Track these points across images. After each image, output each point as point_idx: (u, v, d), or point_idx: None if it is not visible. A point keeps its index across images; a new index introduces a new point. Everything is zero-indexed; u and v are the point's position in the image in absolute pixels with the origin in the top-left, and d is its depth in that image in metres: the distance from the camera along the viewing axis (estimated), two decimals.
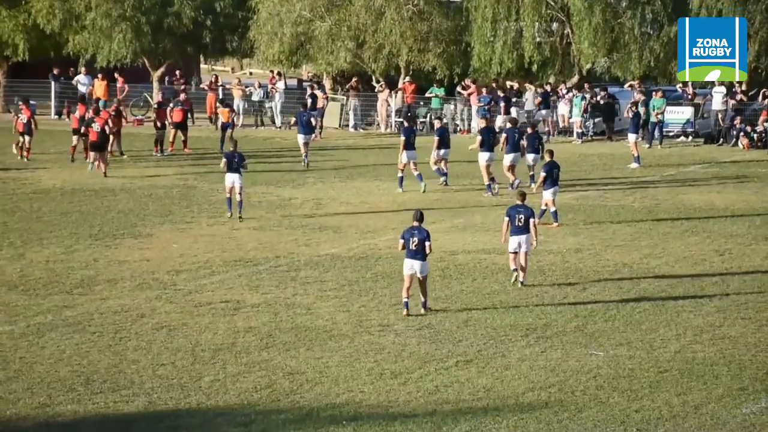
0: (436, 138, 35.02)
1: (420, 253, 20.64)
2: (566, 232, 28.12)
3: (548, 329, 19.65)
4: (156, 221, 29.28)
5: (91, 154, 37.27)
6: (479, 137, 34.32)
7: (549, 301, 21.54)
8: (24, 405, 15.77)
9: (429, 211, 30.55)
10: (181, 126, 42.67)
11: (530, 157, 34.24)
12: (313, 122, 42.39)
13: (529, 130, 35.26)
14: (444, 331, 19.51)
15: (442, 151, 35.03)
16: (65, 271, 23.65)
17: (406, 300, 20.58)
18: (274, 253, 25.49)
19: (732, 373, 17.31)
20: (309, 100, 47.79)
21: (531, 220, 22.52)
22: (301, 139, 39.66)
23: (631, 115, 41.57)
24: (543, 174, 28.44)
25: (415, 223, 20.95)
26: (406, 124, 35.87)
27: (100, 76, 51.29)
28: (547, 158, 29.21)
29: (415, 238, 20.67)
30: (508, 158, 33.56)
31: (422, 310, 20.71)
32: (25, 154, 39.18)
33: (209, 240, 26.96)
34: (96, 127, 36.74)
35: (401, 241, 20.95)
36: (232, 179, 29.88)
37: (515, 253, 22.56)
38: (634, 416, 15.49)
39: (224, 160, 30.29)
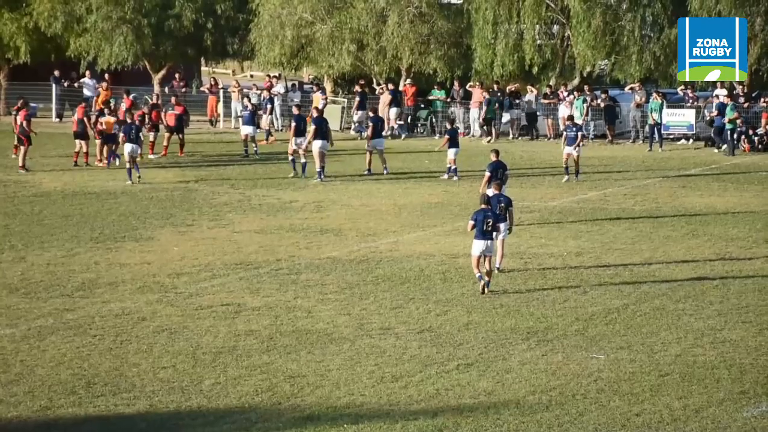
0: (293, 125, 37.91)
1: (491, 234, 22.12)
2: (567, 235, 28.14)
3: (549, 333, 19.65)
4: (157, 224, 29.29)
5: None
6: (370, 127, 38.79)
7: (550, 304, 21.54)
8: (25, 408, 15.77)
9: (430, 214, 30.70)
10: (176, 130, 42.70)
11: (452, 151, 37.09)
12: (261, 118, 46.58)
13: (448, 126, 39.03)
14: (445, 334, 19.51)
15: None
16: (66, 274, 23.65)
17: (480, 274, 22.08)
18: (274, 256, 25.50)
19: (733, 377, 17.31)
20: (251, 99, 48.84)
21: (509, 209, 23.93)
22: (244, 130, 42.95)
23: (569, 127, 37.04)
24: (487, 173, 28.36)
25: (484, 206, 22.36)
26: (315, 114, 38.17)
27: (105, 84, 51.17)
28: (492, 158, 29.20)
29: (490, 220, 22.05)
30: (371, 144, 38.16)
31: (485, 289, 22.05)
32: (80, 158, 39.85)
33: (210, 243, 26.96)
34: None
35: (471, 223, 22.19)
36: (130, 148, 35.71)
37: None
38: (634, 420, 15.48)
39: (122, 135, 36.28)
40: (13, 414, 15.56)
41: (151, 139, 42.21)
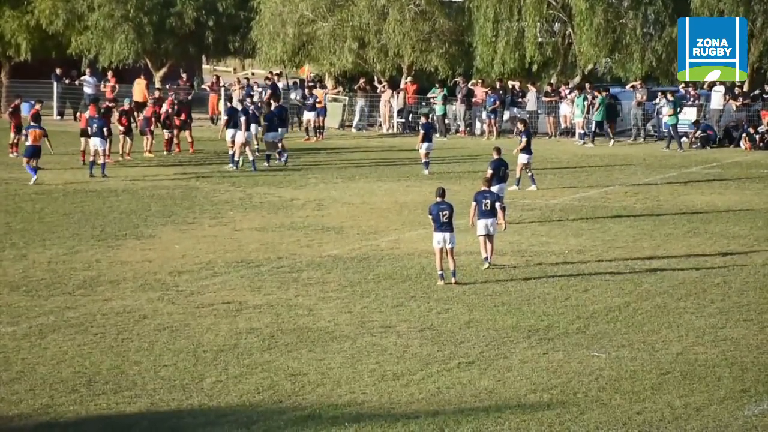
0: (224, 117, 39.96)
1: (449, 225, 22.62)
2: (568, 233, 28.14)
3: (550, 331, 19.65)
4: (158, 222, 29.29)
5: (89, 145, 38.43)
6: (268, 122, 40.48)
7: (551, 302, 21.54)
8: (26, 406, 15.78)
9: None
10: (182, 128, 42.62)
11: (424, 146, 37.68)
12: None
13: (422, 120, 39.53)
14: (446, 332, 19.51)
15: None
16: (67, 272, 23.66)
17: (441, 272, 22.66)
18: (276, 254, 25.50)
19: (734, 375, 17.32)
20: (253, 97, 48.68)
21: (497, 204, 24.14)
22: (269, 136, 41.21)
23: (523, 132, 34.66)
24: (490, 171, 28.37)
25: (439, 199, 22.95)
26: (230, 104, 40.62)
27: (143, 75, 51.65)
28: (494, 155, 29.24)
29: (446, 212, 22.65)
30: (235, 133, 38.66)
31: (452, 279, 22.59)
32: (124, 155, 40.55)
33: (211, 241, 26.97)
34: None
35: (430, 217, 22.96)
36: (94, 143, 36.08)
37: (484, 236, 23.96)
38: (636, 418, 15.49)
39: (87, 127, 36.83)
40: (15, 412, 15.57)
41: (166, 137, 42.26)
